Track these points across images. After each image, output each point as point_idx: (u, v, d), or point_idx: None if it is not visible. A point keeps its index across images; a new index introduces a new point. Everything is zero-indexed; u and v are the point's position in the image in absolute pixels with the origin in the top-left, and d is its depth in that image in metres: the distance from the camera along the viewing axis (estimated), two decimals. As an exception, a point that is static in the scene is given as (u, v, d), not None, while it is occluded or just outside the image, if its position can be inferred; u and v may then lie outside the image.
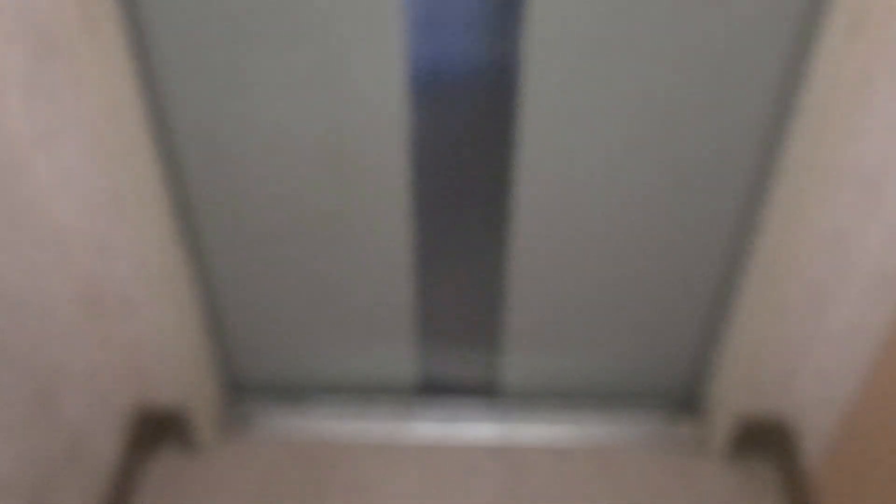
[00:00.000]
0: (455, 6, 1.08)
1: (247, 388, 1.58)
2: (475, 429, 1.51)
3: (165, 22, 1.08)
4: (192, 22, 1.08)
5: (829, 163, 1.08)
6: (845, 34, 0.98)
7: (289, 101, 1.16)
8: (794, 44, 1.08)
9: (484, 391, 1.56)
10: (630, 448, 1.47)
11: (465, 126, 1.21)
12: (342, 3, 1.06)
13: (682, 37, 1.08)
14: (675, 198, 1.26)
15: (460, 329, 1.47)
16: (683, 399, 1.55)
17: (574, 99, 1.15)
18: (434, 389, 1.57)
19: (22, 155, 1.07)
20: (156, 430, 1.51)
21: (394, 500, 1.41)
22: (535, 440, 1.49)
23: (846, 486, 1.25)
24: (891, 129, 1.05)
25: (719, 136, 1.18)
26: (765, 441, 1.47)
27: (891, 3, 0.93)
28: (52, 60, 1.00)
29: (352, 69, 1.12)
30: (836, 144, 1.06)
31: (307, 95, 1.15)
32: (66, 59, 1.00)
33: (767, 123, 1.16)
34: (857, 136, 1.06)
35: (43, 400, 1.15)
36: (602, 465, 1.45)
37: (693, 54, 1.10)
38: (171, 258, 1.28)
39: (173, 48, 1.10)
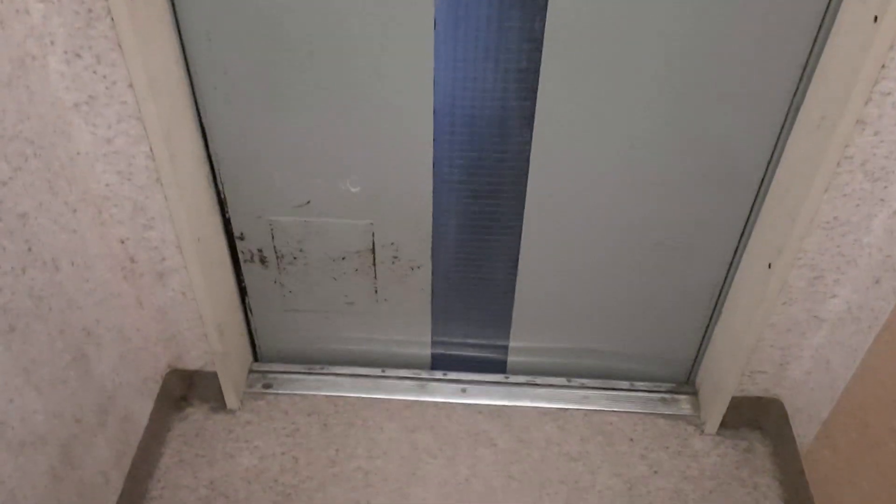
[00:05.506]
0: None
1: (271, 355, 1.61)
2: (485, 399, 1.55)
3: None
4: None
5: (836, 151, 1.05)
6: (861, 26, 0.96)
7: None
8: (810, 39, 1.06)
9: (494, 367, 1.59)
10: (629, 422, 1.52)
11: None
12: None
13: (699, 31, 1.06)
14: (679, 189, 1.25)
15: (473, 311, 1.49)
16: (682, 377, 1.58)
17: (583, 108, 1.15)
18: (447, 365, 1.60)
19: (62, 119, 1.07)
20: (184, 392, 1.54)
21: (405, 459, 1.46)
22: (539, 411, 1.54)
23: (837, 465, 1.26)
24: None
25: (731, 130, 1.17)
26: (760, 419, 1.50)
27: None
28: (94, 27, 0.99)
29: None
30: (843, 133, 1.03)
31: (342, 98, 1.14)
32: (107, 26, 0.99)
33: (777, 115, 1.14)
34: (866, 125, 1.03)
35: (77, 357, 1.17)
36: (602, 437, 1.50)
37: (709, 48, 1.08)
38: (206, 226, 1.29)
39: (211, 20, 1.09)
